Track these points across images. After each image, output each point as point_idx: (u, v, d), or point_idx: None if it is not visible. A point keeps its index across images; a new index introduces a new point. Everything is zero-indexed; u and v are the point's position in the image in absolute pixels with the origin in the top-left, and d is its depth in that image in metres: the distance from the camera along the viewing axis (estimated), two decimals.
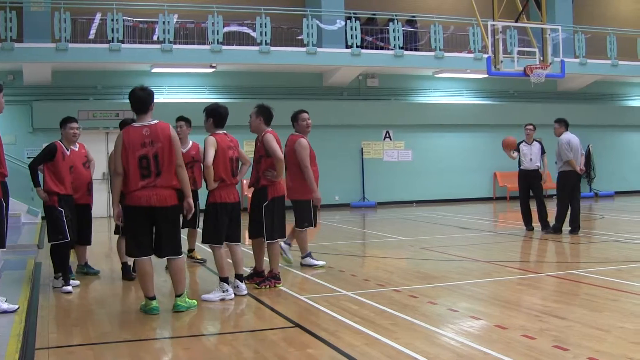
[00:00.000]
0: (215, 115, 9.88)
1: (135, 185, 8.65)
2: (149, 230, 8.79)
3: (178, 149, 8.84)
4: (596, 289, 9.73)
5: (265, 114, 10.45)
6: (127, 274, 11.52)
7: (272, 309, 9.03)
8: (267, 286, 10.32)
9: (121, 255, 11.54)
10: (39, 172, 10.88)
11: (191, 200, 9.07)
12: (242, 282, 9.89)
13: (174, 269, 8.99)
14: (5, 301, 8.98)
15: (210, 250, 10.03)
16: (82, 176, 11.31)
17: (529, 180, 17.02)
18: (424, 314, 8.49)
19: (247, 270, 10.87)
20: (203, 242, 9.94)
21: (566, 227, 16.19)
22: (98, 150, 24.66)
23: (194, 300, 9.20)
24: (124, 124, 11.15)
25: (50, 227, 10.70)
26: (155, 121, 8.86)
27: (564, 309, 8.44)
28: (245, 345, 7.36)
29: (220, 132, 9.85)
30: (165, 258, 9.19)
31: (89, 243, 11.96)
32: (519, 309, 8.77)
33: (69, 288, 10.51)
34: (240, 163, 10.06)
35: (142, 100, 8.83)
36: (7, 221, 9.02)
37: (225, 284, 9.66)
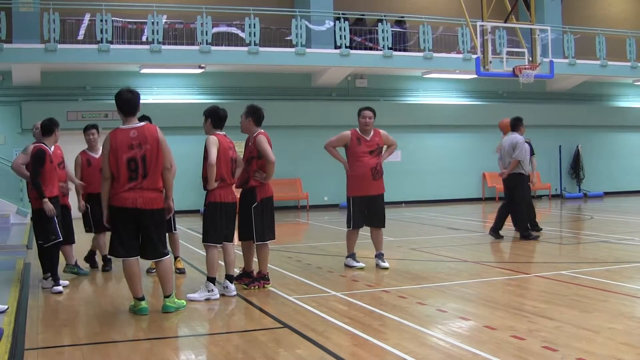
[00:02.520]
0: (214, 116, 9.89)
1: (122, 187, 8.63)
2: (134, 231, 8.77)
3: (167, 152, 8.85)
4: (585, 290, 9.75)
5: (254, 115, 10.42)
6: (91, 259, 12.44)
7: (261, 310, 9.03)
8: (256, 287, 10.32)
9: (95, 246, 12.38)
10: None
11: (171, 202, 9.09)
12: (231, 282, 9.89)
13: (161, 270, 8.95)
14: None
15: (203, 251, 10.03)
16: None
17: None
18: (413, 315, 8.50)
19: (235, 271, 10.89)
20: (203, 241, 9.91)
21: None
22: None
23: (183, 301, 9.20)
24: (86, 129, 11.42)
25: (42, 228, 10.60)
26: (143, 123, 8.87)
27: (553, 310, 8.46)
28: (234, 346, 7.35)
29: (220, 133, 9.85)
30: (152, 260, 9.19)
31: (72, 241, 11.90)
32: (508, 310, 8.78)
33: (60, 288, 10.48)
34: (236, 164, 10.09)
35: (130, 102, 8.80)
36: None
37: (211, 284, 9.68)
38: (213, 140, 9.62)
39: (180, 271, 11.97)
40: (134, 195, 8.61)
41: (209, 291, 9.64)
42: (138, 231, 8.78)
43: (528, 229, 15.82)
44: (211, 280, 9.71)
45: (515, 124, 16.14)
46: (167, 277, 8.94)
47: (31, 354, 7.08)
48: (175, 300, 9.00)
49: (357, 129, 12.29)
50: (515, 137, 15.83)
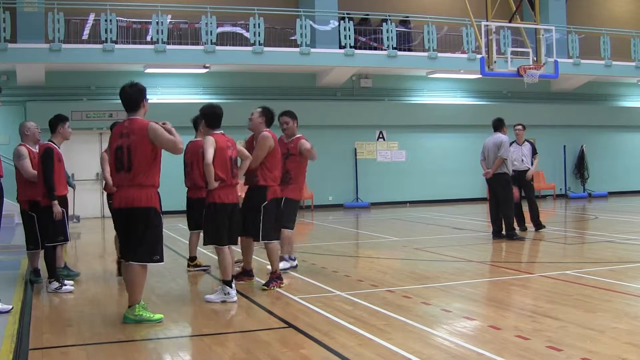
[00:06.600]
0: (207, 116, 9.80)
1: (113, 181, 8.51)
2: (123, 233, 8.50)
3: (164, 143, 8.39)
4: (590, 290, 9.74)
5: (268, 116, 10.60)
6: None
7: (266, 310, 9.02)
8: (274, 287, 10.24)
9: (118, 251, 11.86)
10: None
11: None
12: (231, 288, 9.68)
13: (126, 276, 8.53)
14: (0, 301, 8.99)
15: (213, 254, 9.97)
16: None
17: (520, 180, 16.99)
18: (418, 315, 8.50)
19: (236, 269, 10.89)
20: (205, 243, 9.88)
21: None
22: (91, 150, 24.70)
23: (159, 315, 8.53)
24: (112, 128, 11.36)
25: (50, 227, 10.52)
26: (138, 117, 8.54)
27: (558, 310, 8.45)
28: (238, 346, 7.36)
29: (217, 132, 9.72)
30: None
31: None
32: (513, 310, 8.79)
33: (70, 287, 10.46)
34: (239, 161, 10.01)
35: (129, 97, 8.57)
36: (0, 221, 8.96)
37: (228, 287, 9.49)
38: (209, 140, 9.50)
39: (206, 268, 12.14)
40: (120, 195, 8.39)
41: (225, 294, 9.48)
42: (128, 231, 8.46)
43: (514, 228, 15.85)
44: (227, 283, 9.50)
45: (498, 125, 16.14)
46: (129, 285, 8.51)
47: (35, 354, 7.08)
48: (139, 312, 8.38)
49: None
50: (499, 136, 15.87)
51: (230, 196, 9.65)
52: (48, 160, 10.40)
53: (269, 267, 10.65)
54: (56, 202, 10.36)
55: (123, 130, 8.44)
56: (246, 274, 10.72)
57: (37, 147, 10.98)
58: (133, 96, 8.57)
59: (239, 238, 10.25)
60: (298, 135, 11.83)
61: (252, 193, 10.45)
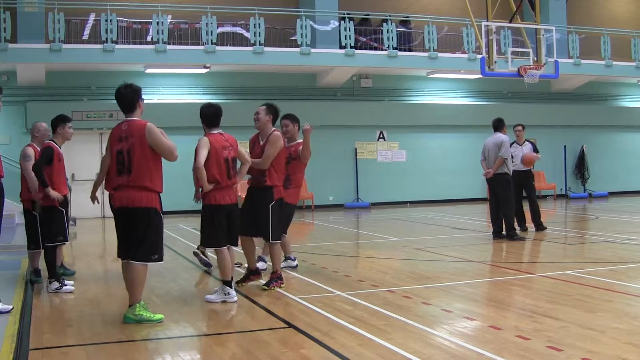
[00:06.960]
0: (205, 116, 9.70)
1: (113, 183, 8.44)
2: (123, 232, 8.50)
3: (159, 145, 8.40)
4: (590, 290, 9.74)
5: (275, 114, 10.52)
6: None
7: (266, 310, 9.01)
8: (274, 287, 10.23)
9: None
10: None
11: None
12: (231, 287, 9.65)
13: (126, 275, 8.52)
14: (0, 302, 8.97)
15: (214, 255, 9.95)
16: None
17: (521, 181, 16.99)
18: (418, 315, 8.49)
19: (241, 271, 10.85)
20: (202, 245, 9.86)
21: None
22: (91, 150, 24.72)
23: (157, 315, 8.53)
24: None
25: (50, 228, 10.50)
26: (136, 118, 8.55)
27: (558, 310, 8.45)
28: (239, 346, 7.35)
29: (215, 132, 9.62)
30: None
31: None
32: (513, 310, 8.79)
33: (70, 288, 10.45)
34: (240, 163, 9.95)
35: (124, 98, 8.57)
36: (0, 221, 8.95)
37: (228, 287, 9.47)
38: (203, 142, 9.38)
39: (207, 265, 12.18)
40: (121, 195, 8.37)
41: (225, 294, 9.47)
42: (128, 231, 8.47)
43: (514, 228, 15.85)
44: (227, 283, 9.47)
45: (498, 125, 16.13)
46: (129, 285, 8.51)
47: (36, 354, 7.08)
48: (142, 313, 8.41)
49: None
50: (499, 136, 15.87)
51: (227, 197, 9.55)
52: (43, 157, 10.41)
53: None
54: (49, 188, 10.29)
55: (122, 134, 8.45)
56: (253, 273, 10.62)
57: None
58: (128, 96, 8.59)
59: (239, 238, 10.22)
60: (299, 141, 11.69)
61: (258, 193, 10.35)
